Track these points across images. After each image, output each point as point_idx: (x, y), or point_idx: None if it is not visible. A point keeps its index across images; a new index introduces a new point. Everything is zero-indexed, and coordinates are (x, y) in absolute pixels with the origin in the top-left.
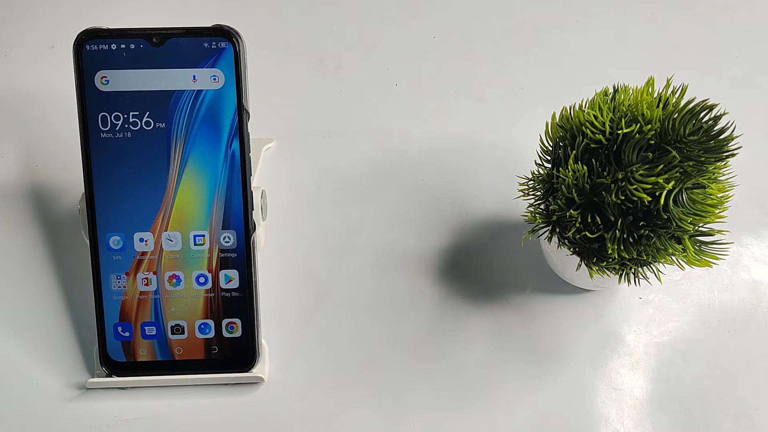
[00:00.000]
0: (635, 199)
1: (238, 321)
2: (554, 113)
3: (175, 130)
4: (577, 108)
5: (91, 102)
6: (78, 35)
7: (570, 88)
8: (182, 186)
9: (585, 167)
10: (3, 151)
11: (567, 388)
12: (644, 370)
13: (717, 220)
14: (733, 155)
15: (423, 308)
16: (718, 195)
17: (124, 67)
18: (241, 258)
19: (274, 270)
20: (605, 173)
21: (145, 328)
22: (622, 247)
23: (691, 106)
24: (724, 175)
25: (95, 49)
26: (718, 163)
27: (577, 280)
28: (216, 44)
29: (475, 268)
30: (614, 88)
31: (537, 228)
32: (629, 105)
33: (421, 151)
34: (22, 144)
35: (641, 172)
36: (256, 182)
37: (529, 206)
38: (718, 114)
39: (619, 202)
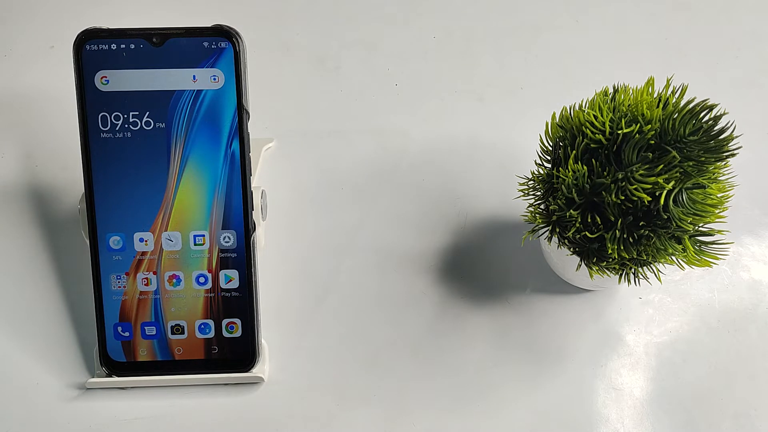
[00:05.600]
0: (635, 199)
1: (238, 321)
2: (554, 113)
3: (175, 130)
4: (577, 108)
5: (90, 102)
6: (78, 35)
7: (570, 88)
8: (182, 186)
9: (585, 167)
10: (3, 151)
11: (567, 388)
12: (644, 370)
13: (717, 220)
14: (733, 155)
15: (423, 308)
16: (718, 195)
17: (124, 67)
18: (241, 258)
19: (274, 270)
20: (605, 173)
21: (145, 328)
22: (622, 247)
23: (691, 106)
24: (724, 175)
25: (95, 49)
26: (718, 163)
27: (577, 280)
28: (216, 44)
29: (475, 268)
30: (614, 88)
31: (537, 228)
32: (629, 105)
33: (421, 151)
34: (22, 144)
35: (641, 172)
36: (256, 182)
37: (529, 206)
38: (718, 114)
39: (619, 202)
